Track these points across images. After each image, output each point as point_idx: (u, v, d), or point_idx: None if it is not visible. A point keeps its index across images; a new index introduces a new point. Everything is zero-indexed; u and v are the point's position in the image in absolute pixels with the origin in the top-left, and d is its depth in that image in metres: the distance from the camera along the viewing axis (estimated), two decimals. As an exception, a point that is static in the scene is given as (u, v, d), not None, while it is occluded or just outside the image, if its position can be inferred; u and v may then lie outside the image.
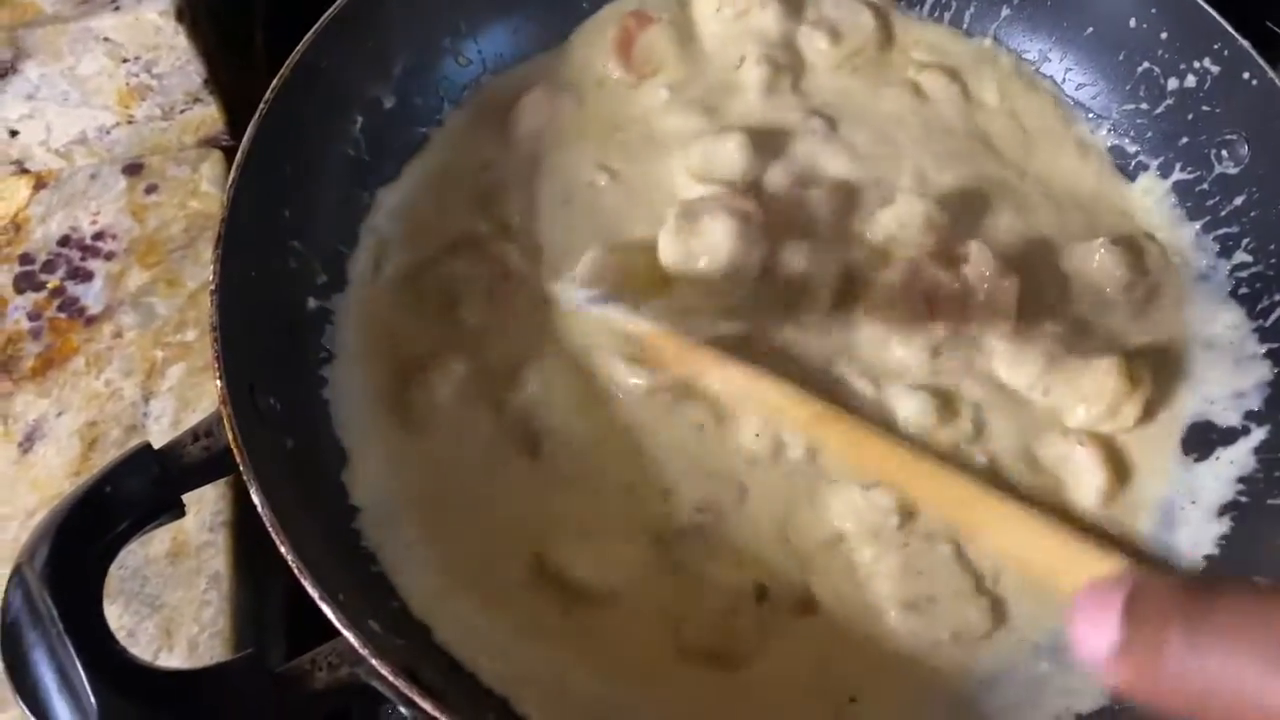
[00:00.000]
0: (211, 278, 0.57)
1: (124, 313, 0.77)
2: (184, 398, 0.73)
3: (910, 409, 0.64)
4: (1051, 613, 0.60)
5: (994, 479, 0.63)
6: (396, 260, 0.69)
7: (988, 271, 0.66)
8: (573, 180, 0.72)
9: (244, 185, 0.61)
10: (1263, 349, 0.68)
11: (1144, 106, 0.75)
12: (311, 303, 0.66)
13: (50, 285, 0.78)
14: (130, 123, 0.82)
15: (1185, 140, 0.73)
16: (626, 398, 0.64)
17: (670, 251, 0.65)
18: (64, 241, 0.80)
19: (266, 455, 0.54)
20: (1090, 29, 0.77)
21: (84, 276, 0.79)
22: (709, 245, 0.64)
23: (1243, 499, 0.64)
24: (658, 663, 0.58)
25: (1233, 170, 0.71)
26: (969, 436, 0.64)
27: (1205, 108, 0.72)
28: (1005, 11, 0.80)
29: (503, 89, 0.76)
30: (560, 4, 0.78)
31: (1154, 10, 0.73)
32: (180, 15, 0.77)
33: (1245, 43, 0.69)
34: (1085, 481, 0.63)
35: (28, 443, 0.72)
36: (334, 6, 0.68)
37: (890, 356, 0.66)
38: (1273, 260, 0.69)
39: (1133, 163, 0.76)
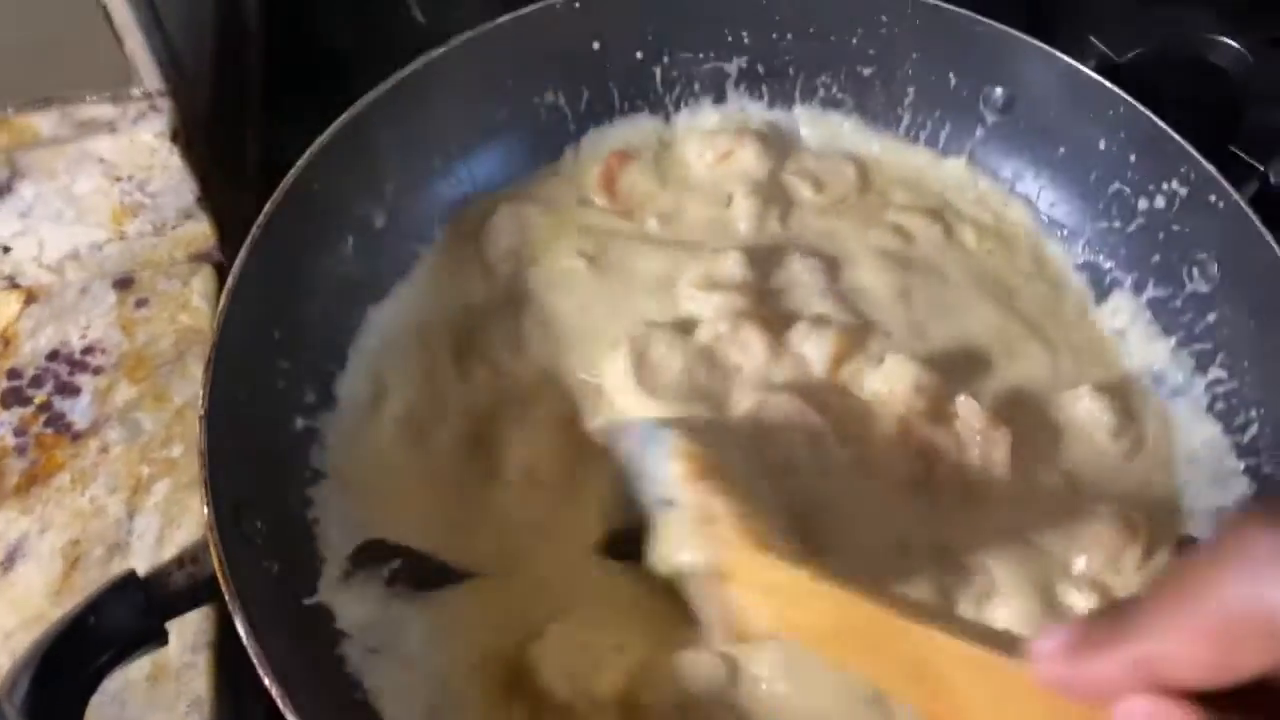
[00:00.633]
0: (201, 403, 0.58)
1: (110, 428, 0.77)
2: (169, 514, 0.73)
3: None
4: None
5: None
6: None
7: (978, 425, 0.66)
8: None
9: (234, 311, 0.61)
10: (1240, 465, 0.69)
11: (1116, 225, 0.77)
12: (299, 422, 0.67)
13: (37, 400, 0.78)
14: (122, 239, 0.83)
15: (1157, 258, 0.75)
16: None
17: None
18: (53, 356, 0.80)
19: (252, 582, 0.54)
20: (1062, 149, 0.79)
21: (71, 391, 0.79)
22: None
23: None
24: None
25: (1204, 288, 0.73)
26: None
27: (1175, 227, 0.74)
28: (979, 132, 0.82)
29: (484, 210, 0.77)
30: (549, 129, 0.80)
31: (1122, 134, 0.75)
32: (175, 136, 0.78)
33: (1210, 167, 0.71)
34: None
35: (9, 561, 0.71)
36: (326, 132, 0.69)
37: None
38: (1247, 377, 0.70)
39: (1107, 279, 0.78)
